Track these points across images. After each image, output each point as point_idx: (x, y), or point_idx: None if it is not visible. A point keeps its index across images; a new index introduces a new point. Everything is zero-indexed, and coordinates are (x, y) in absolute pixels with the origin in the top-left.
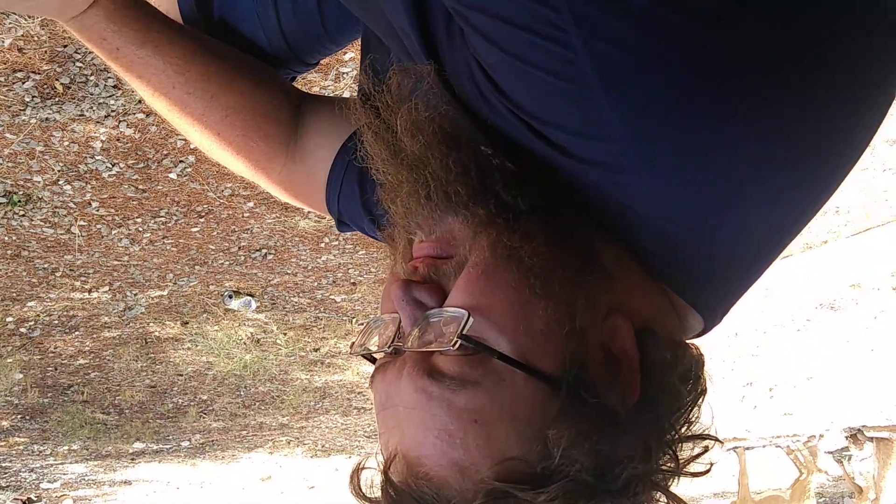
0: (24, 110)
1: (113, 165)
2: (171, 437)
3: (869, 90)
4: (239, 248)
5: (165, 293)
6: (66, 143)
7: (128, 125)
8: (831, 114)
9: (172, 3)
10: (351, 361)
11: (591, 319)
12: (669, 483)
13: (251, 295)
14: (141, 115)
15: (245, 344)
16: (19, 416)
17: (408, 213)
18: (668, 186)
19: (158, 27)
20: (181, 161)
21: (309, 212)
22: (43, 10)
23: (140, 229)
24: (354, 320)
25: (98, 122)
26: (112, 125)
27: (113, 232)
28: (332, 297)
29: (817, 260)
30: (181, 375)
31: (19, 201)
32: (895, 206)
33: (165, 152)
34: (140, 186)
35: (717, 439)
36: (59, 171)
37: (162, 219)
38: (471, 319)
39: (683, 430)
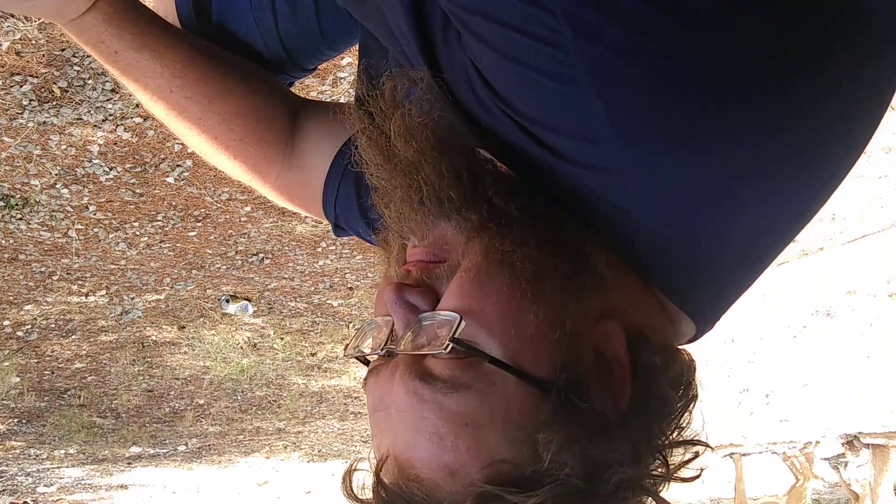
0: (21, 114)
1: (110, 169)
2: (167, 442)
3: (862, 96)
4: (236, 252)
5: (162, 297)
6: (63, 147)
7: (125, 129)
8: (825, 118)
9: (170, 8)
10: (348, 366)
11: (582, 324)
12: (660, 488)
13: (248, 299)
14: (138, 119)
15: (242, 348)
16: (16, 420)
17: (401, 218)
18: (660, 190)
19: (156, 31)
20: (178, 165)
21: (306, 216)
22: (41, 12)
23: (137, 233)
24: (351, 325)
25: (96, 125)
26: (110, 129)
27: (110, 236)
28: (329, 301)
29: (813, 266)
30: (178, 379)
31: (16, 205)
32: (891, 212)
33: (163, 156)
34: (137, 190)
35: (707, 445)
36: (56, 174)
37: (159, 223)
38: (463, 323)
39: (674, 435)
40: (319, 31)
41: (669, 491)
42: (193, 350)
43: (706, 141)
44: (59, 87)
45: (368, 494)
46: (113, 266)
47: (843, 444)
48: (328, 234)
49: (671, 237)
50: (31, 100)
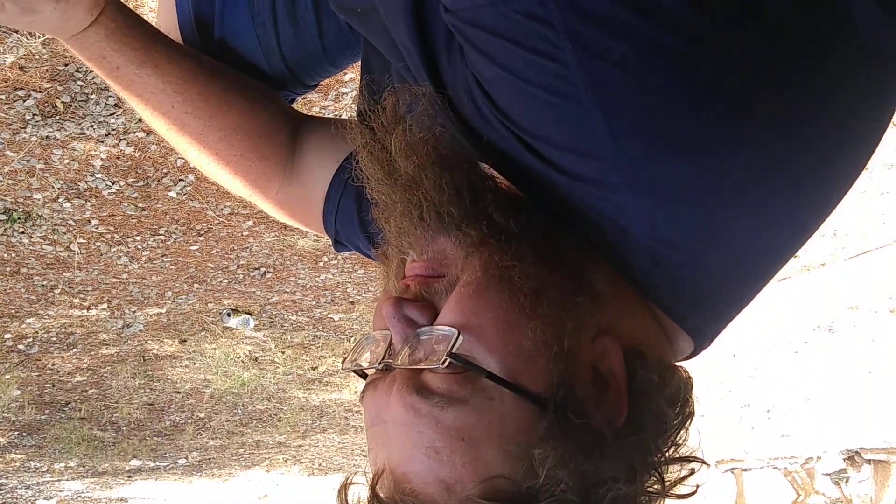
0: (24, 128)
1: (113, 183)
2: (167, 455)
3: (862, 113)
4: (238, 266)
5: (164, 311)
6: (66, 161)
7: (128, 143)
8: (825, 137)
9: (173, 23)
10: (349, 380)
11: (579, 340)
12: None
13: (249, 313)
14: (141, 134)
15: (243, 362)
16: (16, 433)
17: (401, 233)
18: (659, 206)
19: (158, 47)
20: (181, 179)
21: (307, 231)
22: (44, 27)
23: (139, 247)
24: (352, 339)
25: (98, 140)
26: (112, 143)
27: (112, 249)
28: (330, 315)
29: (815, 282)
30: (179, 393)
31: (19, 218)
32: (893, 229)
33: (165, 171)
34: (140, 204)
35: (703, 462)
36: (58, 188)
37: (161, 237)
38: (461, 338)
39: (670, 452)
40: (322, 48)
41: None
42: (194, 363)
43: (707, 158)
44: (63, 102)
45: None
46: (115, 280)
47: (844, 459)
48: (330, 248)
49: (670, 254)
50: (34, 114)
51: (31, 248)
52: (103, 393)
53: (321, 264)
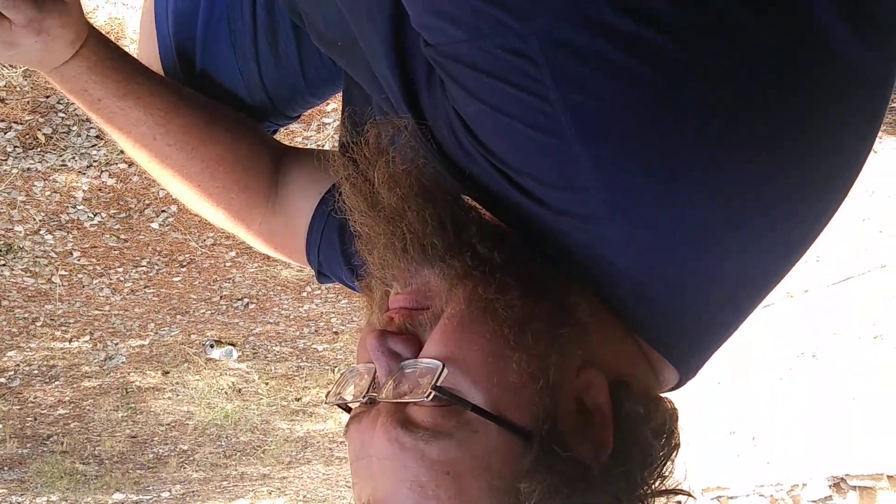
0: (5, 160)
1: (95, 215)
2: (151, 488)
3: (843, 141)
4: (221, 297)
5: (146, 343)
6: (47, 193)
7: (110, 175)
8: (806, 165)
9: (154, 55)
10: (333, 411)
11: (564, 373)
12: None
13: (233, 344)
14: (123, 166)
15: (226, 393)
16: None
17: (384, 265)
18: (641, 238)
19: (140, 79)
20: (163, 211)
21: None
22: (25, 60)
23: (121, 279)
24: (336, 369)
25: (80, 172)
26: (94, 175)
27: (94, 281)
28: (314, 346)
29: (799, 308)
30: (162, 425)
31: (0, 251)
32: (875, 255)
33: (147, 202)
34: (122, 236)
35: (689, 494)
36: (40, 220)
37: (143, 268)
38: (445, 371)
39: (656, 484)
40: (303, 79)
41: None
42: (177, 395)
43: (690, 190)
44: (44, 134)
45: None
46: (97, 312)
47: (830, 486)
48: (313, 278)
49: (654, 286)
50: (15, 146)
51: (12, 280)
52: (85, 426)
53: (304, 295)
